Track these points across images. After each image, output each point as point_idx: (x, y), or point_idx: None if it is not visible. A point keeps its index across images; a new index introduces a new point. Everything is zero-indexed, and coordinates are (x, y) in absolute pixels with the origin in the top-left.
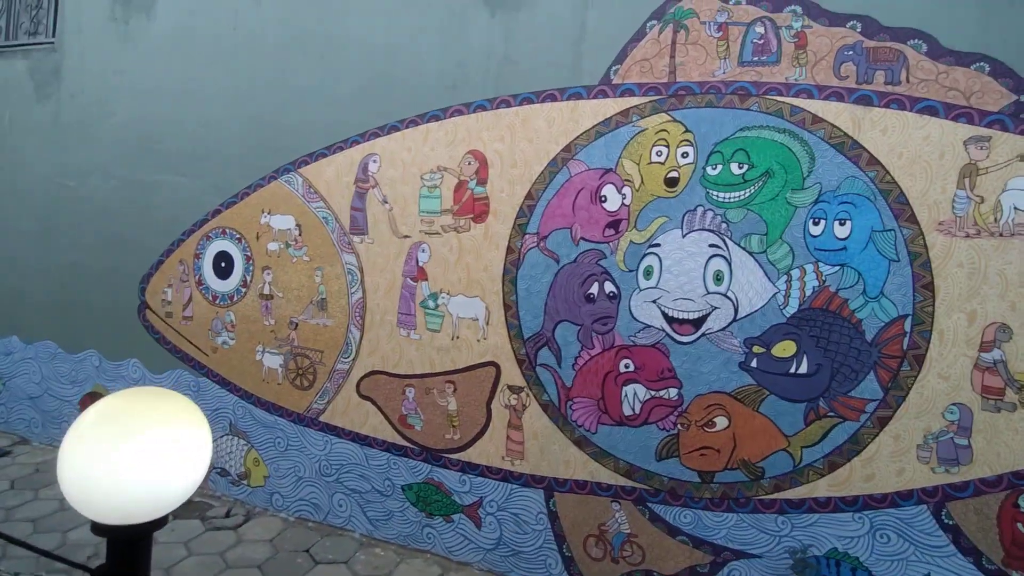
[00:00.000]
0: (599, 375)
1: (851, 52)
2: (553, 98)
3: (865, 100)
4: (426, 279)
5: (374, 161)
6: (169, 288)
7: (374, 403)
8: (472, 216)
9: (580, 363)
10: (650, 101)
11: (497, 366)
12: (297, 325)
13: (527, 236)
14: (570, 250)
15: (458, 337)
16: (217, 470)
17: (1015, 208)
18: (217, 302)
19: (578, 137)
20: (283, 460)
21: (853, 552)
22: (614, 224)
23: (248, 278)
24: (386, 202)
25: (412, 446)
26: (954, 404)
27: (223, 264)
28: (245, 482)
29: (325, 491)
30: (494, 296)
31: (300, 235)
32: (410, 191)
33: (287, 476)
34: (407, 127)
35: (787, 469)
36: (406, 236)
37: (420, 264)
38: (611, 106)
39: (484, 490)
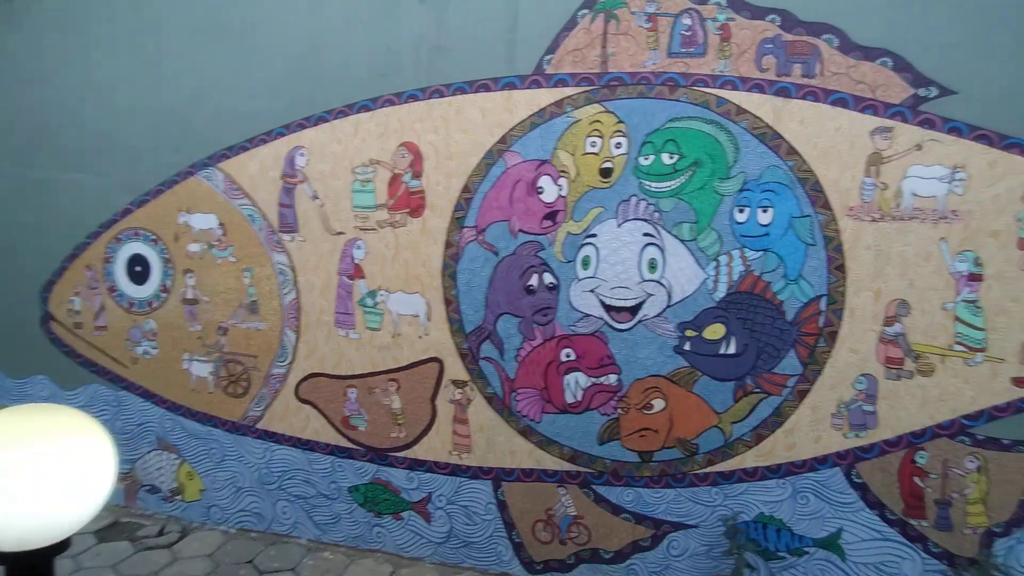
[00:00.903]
0: (541, 365)
1: (771, 45)
2: (487, 88)
3: (784, 92)
4: (363, 277)
5: (301, 154)
6: (76, 296)
7: (315, 406)
8: (408, 210)
9: (523, 354)
10: (583, 92)
11: (440, 362)
12: (227, 330)
13: (465, 229)
14: (509, 242)
15: (399, 334)
16: (146, 487)
17: (913, 194)
18: (134, 309)
19: (513, 128)
20: (220, 471)
21: (777, 515)
22: (551, 215)
23: (168, 282)
24: (316, 197)
25: (357, 447)
26: (862, 375)
27: (138, 268)
28: (179, 497)
29: (267, 499)
30: (434, 291)
31: (224, 235)
32: (342, 185)
33: (225, 487)
34: (336, 118)
35: (719, 444)
36: (340, 233)
37: (356, 261)
38: (545, 96)
39: (432, 485)
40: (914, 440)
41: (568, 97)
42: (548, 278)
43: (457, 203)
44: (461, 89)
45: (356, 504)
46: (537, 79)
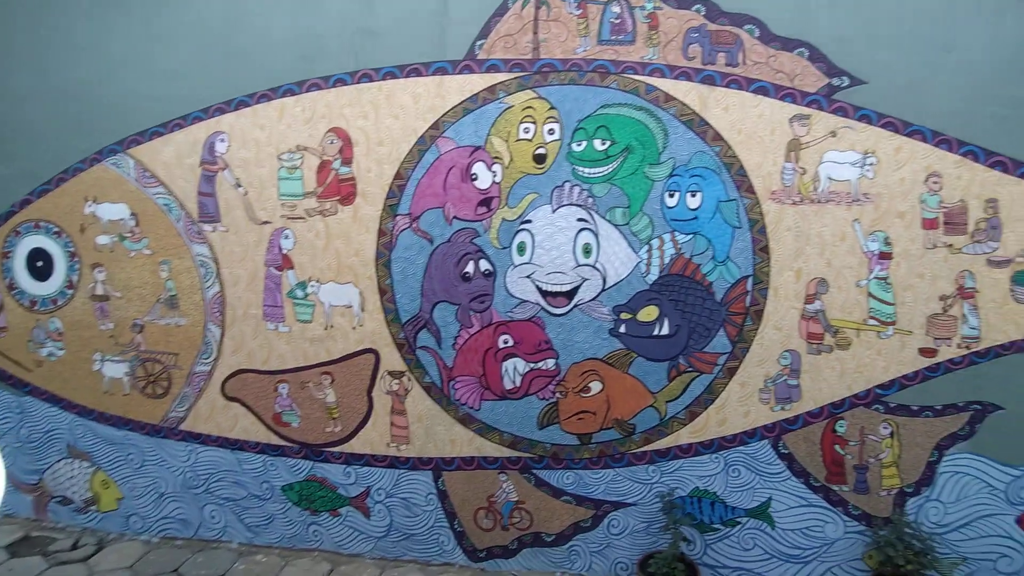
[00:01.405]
0: (479, 353)
1: (697, 34)
2: (418, 73)
3: (709, 80)
4: (292, 267)
5: (222, 140)
6: None
7: (243, 404)
8: (339, 198)
9: (460, 342)
10: (515, 77)
11: (376, 352)
12: (143, 327)
13: (399, 217)
14: (444, 230)
15: (332, 326)
16: (56, 499)
17: (829, 178)
18: (36, 308)
19: (445, 114)
20: (139, 478)
21: (711, 488)
22: (486, 202)
23: (74, 278)
24: (239, 186)
25: (290, 444)
26: (787, 351)
27: (40, 263)
28: (94, 508)
29: (193, 504)
30: (368, 281)
31: (137, 225)
32: (267, 173)
33: (145, 495)
34: (258, 102)
35: (654, 423)
36: (266, 222)
37: (284, 251)
38: (477, 82)
39: (371, 479)
40: (834, 410)
41: (501, 83)
42: (484, 265)
43: (390, 190)
44: (391, 73)
45: (290, 503)
46: (469, 64)
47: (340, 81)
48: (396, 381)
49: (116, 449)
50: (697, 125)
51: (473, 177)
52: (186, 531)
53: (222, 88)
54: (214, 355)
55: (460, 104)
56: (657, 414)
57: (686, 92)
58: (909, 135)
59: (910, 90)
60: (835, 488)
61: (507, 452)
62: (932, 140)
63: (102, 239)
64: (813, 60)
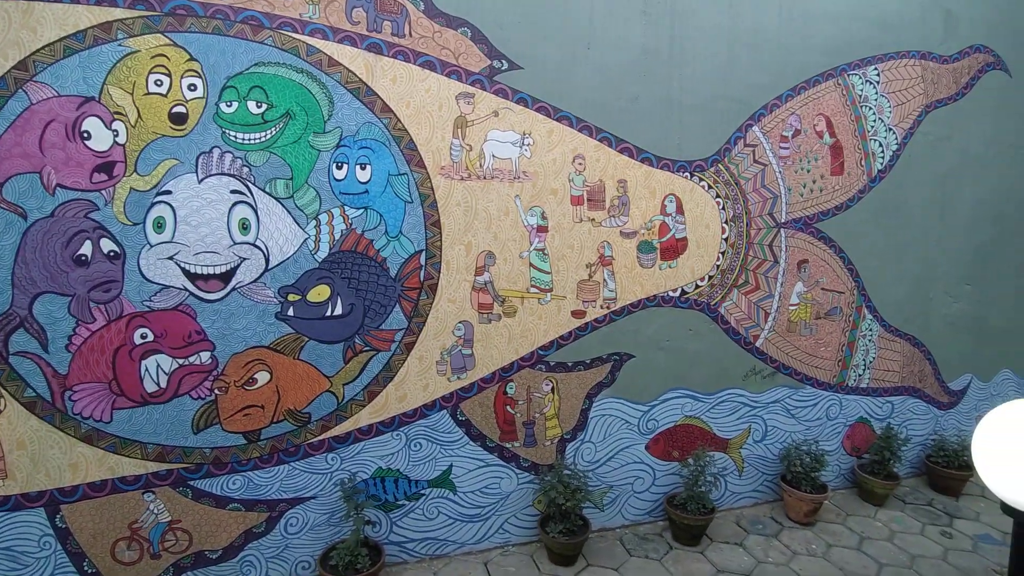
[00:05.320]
0: (107, 352)
1: None
2: None
3: (376, 48)
4: None
5: None
6: None
7: None
8: None
9: (78, 342)
10: (140, 16)
11: None
12: None
13: None
14: (43, 201)
15: None
16: None
17: (493, 155)
18: None
19: (38, 51)
20: None
21: (394, 466)
22: (106, 167)
23: None
24: None
25: None
26: (460, 322)
27: None
28: None
29: None
30: None
31: None
32: None
33: None
34: None
35: (332, 408)
36: None
37: None
38: (84, 15)
39: None
40: (504, 374)
41: (120, 21)
42: (107, 245)
43: None
44: None
45: None
46: None
47: None
48: None
49: None
50: (364, 95)
51: (85, 136)
52: None
53: None
54: None
55: (60, 41)
56: (334, 398)
57: (352, 58)
58: (559, 120)
59: (558, 79)
60: (508, 445)
61: (153, 467)
62: (576, 126)
63: None
64: (476, 41)
